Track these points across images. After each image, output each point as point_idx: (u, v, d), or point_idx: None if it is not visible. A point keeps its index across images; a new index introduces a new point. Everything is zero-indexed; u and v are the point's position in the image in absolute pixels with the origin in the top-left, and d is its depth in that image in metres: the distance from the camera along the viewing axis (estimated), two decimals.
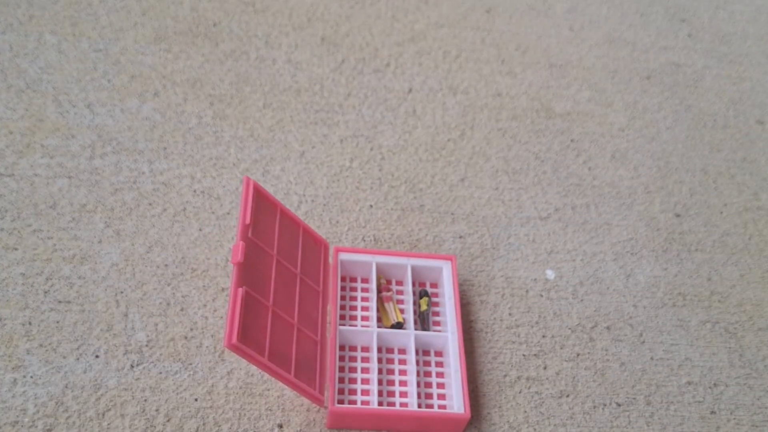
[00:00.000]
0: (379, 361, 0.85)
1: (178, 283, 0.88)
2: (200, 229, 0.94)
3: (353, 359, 0.86)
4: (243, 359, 0.83)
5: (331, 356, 0.81)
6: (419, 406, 0.83)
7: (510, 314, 0.92)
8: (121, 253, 0.90)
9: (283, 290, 0.79)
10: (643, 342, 0.92)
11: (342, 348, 0.86)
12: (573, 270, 0.98)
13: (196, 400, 0.80)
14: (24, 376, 0.79)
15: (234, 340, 0.67)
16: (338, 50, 1.19)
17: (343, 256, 0.89)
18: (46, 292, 0.85)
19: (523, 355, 0.89)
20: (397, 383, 0.84)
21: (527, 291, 0.95)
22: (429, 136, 1.10)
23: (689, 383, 0.89)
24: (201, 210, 0.95)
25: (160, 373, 0.81)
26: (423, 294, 0.90)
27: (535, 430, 0.83)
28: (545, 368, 0.88)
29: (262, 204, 0.80)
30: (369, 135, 1.08)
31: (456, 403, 0.80)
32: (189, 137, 1.03)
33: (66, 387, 0.79)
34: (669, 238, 1.04)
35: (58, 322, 0.83)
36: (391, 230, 0.98)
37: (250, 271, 0.74)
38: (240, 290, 0.70)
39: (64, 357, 0.81)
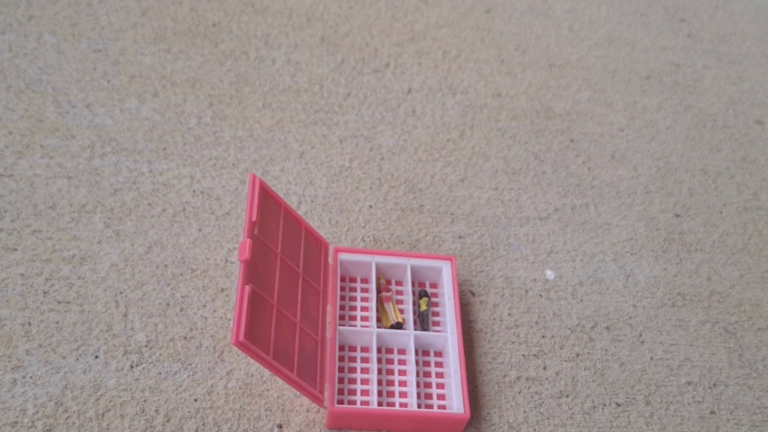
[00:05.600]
0: (379, 361, 0.85)
1: (177, 284, 0.88)
2: (200, 230, 0.94)
3: (353, 359, 0.86)
4: (243, 359, 0.83)
5: (331, 356, 0.81)
6: (419, 406, 0.83)
7: (510, 314, 0.92)
8: (120, 254, 0.90)
9: (286, 289, 0.79)
10: (643, 342, 0.92)
11: (342, 348, 0.86)
12: (572, 270, 0.98)
13: (195, 400, 0.80)
14: (23, 377, 0.79)
15: (241, 337, 0.67)
16: (338, 50, 1.19)
17: (343, 256, 0.89)
18: (45, 293, 0.85)
19: (523, 356, 0.89)
20: (396, 383, 0.84)
21: (527, 291, 0.95)
22: (428, 136, 1.10)
23: (689, 383, 0.90)
24: (200, 210, 0.95)
25: (160, 373, 0.81)
26: (422, 294, 0.90)
27: (534, 430, 0.83)
28: (545, 368, 0.88)
29: (267, 202, 0.80)
30: (368, 135, 1.08)
31: (455, 403, 0.80)
32: (188, 137, 1.03)
33: (65, 387, 0.79)
34: (668, 238, 1.04)
35: (57, 322, 0.83)
36: (390, 230, 0.98)
37: (256, 268, 0.74)
38: (247, 288, 0.70)
39: (64, 357, 0.81)
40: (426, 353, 0.87)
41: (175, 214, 0.95)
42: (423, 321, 0.88)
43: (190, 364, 0.82)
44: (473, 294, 0.91)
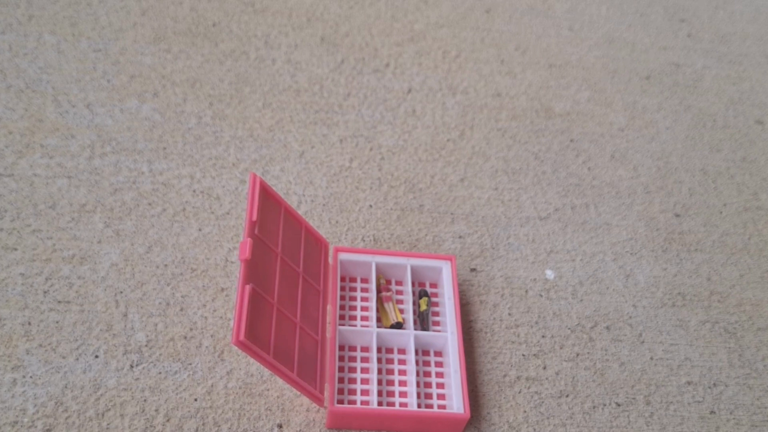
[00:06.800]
0: (379, 361, 0.85)
1: (177, 283, 0.88)
2: (200, 229, 0.94)
3: (353, 359, 0.86)
4: (244, 358, 0.83)
5: (331, 356, 0.81)
6: (419, 406, 0.83)
7: (509, 314, 0.92)
8: (120, 253, 0.90)
9: (286, 289, 0.79)
10: (643, 342, 0.92)
11: (342, 348, 0.86)
12: (572, 270, 0.98)
13: (195, 400, 0.80)
14: (23, 377, 0.79)
15: (242, 337, 0.67)
16: (338, 50, 1.19)
17: (343, 256, 0.89)
18: (45, 292, 0.85)
19: (523, 355, 0.89)
20: (396, 383, 0.84)
21: (527, 291, 0.95)
22: (428, 136, 1.10)
23: (689, 383, 0.90)
24: (200, 210, 0.95)
25: (160, 373, 0.81)
26: (422, 294, 0.90)
27: (534, 430, 0.83)
28: (545, 368, 0.88)
29: (267, 201, 0.80)
30: (368, 135, 1.08)
31: (455, 403, 0.80)
32: (188, 137, 1.03)
33: (65, 387, 0.79)
34: (668, 238, 1.04)
35: (57, 322, 0.83)
36: (390, 230, 0.98)
37: (256, 268, 0.74)
38: (247, 287, 0.70)
39: (64, 357, 0.81)
40: (426, 353, 0.87)
41: (175, 213, 0.95)
42: (423, 321, 0.88)
43: (190, 364, 0.82)
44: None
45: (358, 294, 0.90)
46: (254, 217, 0.76)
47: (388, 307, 0.88)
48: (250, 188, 0.78)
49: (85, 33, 1.12)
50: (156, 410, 0.79)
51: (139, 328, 0.84)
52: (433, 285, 0.93)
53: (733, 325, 0.96)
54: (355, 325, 0.87)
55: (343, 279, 0.91)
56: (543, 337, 0.91)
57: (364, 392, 0.83)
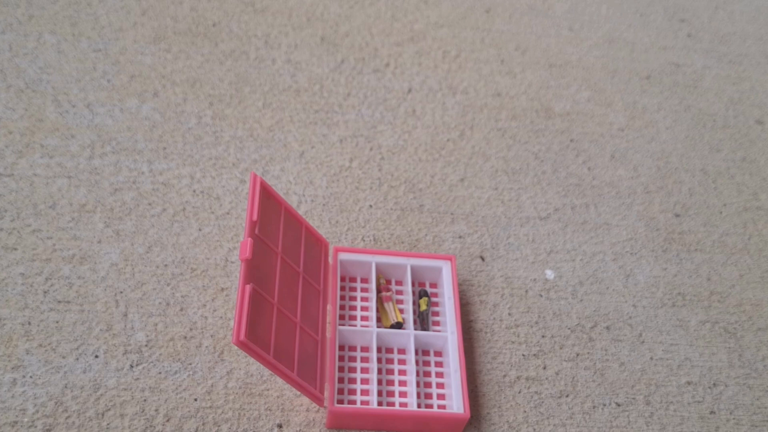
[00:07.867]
0: (379, 361, 0.85)
1: (177, 283, 0.88)
2: (200, 229, 0.94)
3: (353, 359, 0.86)
4: (244, 358, 0.83)
5: (331, 356, 0.81)
6: (419, 406, 0.83)
7: (509, 314, 0.92)
8: (120, 253, 0.90)
9: (286, 288, 0.79)
10: (643, 342, 0.92)
11: (342, 348, 0.86)
12: (572, 270, 0.98)
13: (195, 400, 0.80)
14: (23, 376, 0.79)
15: (242, 337, 0.67)
16: (338, 50, 1.19)
17: (343, 256, 0.89)
18: (45, 292, 0.85)
19: (523, 355, 0.89)
20: (396, 383, 0.84)
21: (527, 291, 0.95)
22: (428, 136, 1.10)
23: (689, 383, 0.90)
24: (200, 210, 0.95)
25: (160, 373, 0.81)
26: (422, 294, 0.90)
27: (534, 430, 0.83)
28: (545, 368, 0.88)
29: (267, 201, 0.80)
30: (368, 135, 1.08)
31: (455, 403, 0.80)
32: (188, 137, 1.03)
33: (65, 387, 0.79)
34: (668, 238, 1.04)
35: (57, 322, 0.83)
36: (390, 230, 0.98)
37: (257, 268, 0.74)
38: (248, 287, 0.70)
39: (64, 357, 0.81)
40: (426, 353, 0.87)
41: (175, 213, 0.95)
42: (423, 321, 0.88)
43: (190, 364, 0.82)
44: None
45: (358, 294, 0.90)
46: (255, 217, 0.76)
47: (388, 307, 0.88)
48: (250, 188, 0.78)
49: (85, 33, 1.12)
50: (156, 410, 0.79)
51: (139, 328, 0.84)
52: (433, 285, 0.93)
53: (733, 325, 0.96)
54: (355, 325, 0.87)
55: (343, 279, 0.91)
56: (543, 337, 0.91)
57: (364, 392, 0.83)
